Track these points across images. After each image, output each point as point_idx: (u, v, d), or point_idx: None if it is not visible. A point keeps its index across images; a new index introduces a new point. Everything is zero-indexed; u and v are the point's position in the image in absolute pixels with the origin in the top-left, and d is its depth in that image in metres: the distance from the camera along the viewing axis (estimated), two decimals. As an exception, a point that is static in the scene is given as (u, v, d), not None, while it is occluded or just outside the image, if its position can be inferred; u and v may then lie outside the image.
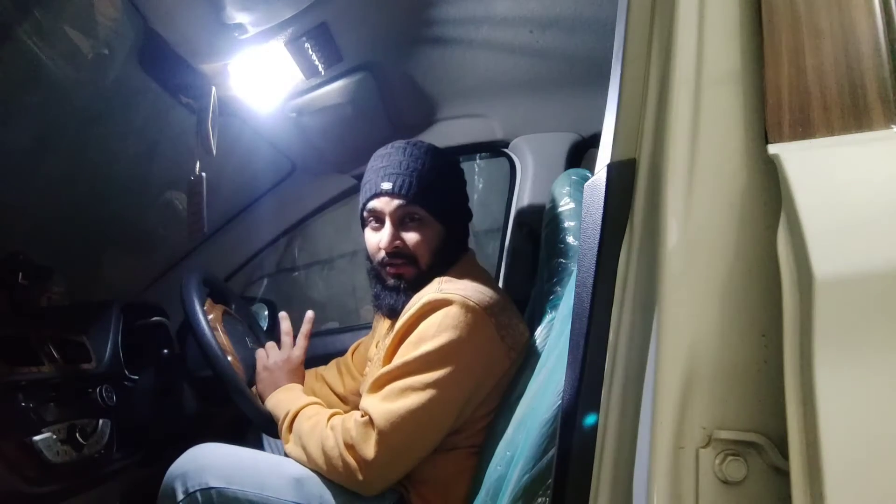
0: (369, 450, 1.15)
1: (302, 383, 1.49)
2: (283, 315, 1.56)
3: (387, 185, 1.32)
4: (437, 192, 1.34)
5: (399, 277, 1.35)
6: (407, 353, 1.21)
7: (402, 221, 1.34)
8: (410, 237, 1.33)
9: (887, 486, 0.51)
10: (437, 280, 1.31)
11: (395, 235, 1.33)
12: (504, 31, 1.50)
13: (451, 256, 1.38)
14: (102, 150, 1.61)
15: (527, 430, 1.05)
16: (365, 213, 1.38)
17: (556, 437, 0.75)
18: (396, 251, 1.33)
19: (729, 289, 0.60)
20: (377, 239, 1.35)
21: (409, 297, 1.32)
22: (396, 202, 1.32)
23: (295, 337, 1.53)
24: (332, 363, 1.69)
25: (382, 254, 1.34)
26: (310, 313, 1.55)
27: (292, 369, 1.48)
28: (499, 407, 1.27)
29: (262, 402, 1.42)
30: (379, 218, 1.35)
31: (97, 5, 1.28)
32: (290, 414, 1.30)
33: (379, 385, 1.21)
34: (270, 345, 1.52)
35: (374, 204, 1.34)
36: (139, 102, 1.51)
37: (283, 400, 1.37)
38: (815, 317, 0.52)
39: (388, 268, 1.36)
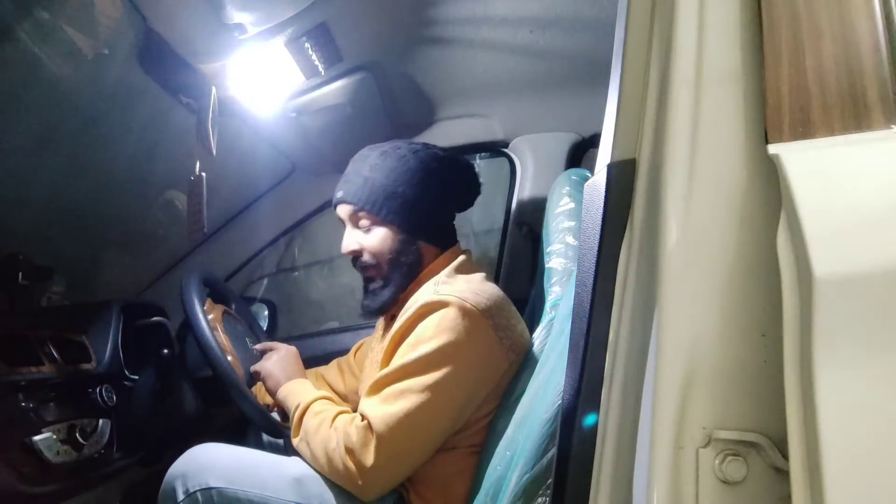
0: (368, 456, 1.15)
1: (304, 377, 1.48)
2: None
3: (339, 193, 1.38)
4: (392, 197, 1.34)
5: (369, 279, 1.40)
6: (404, 355, 1.21)
7: (358, 227, 1.38)
8: (365, 242, 1.37)
9: (887, 485, 0.50)
10: (432, 281, 1.31)
11: (352, 240, 1.38)
12: (504, 31, 1.50)
13: (417, 258, 1.38)
14: (102, 150, 1.61)
15: (527, 430, 1.05)
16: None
17: (556, 437, 0.75)
18: (354, 255, 1.39)
19: (729, 288, 0.60)
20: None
21: (383, 298, 1.37)
22: (348, 209, 1.37)
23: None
24: (333, 362, 1.69)
25: (350, 256, 1.40)
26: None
27: (296, 362, 1.49)
28: (499, 407, 1.27)
29: (272, 397, 1.42)
30: (344, 223, 1.41)
31: (97, 5, 1.28)
32: (301, 407, 1.29)
33: (377, 388, 1.21)
34: (268, 348, 1.52)
35: (336, 210, 1.40)
36: (139, 102, 1.51)
37: (293, 391, 1.36)
38: (815, 316, 0.52)
39: (361, 270, 1.41)
